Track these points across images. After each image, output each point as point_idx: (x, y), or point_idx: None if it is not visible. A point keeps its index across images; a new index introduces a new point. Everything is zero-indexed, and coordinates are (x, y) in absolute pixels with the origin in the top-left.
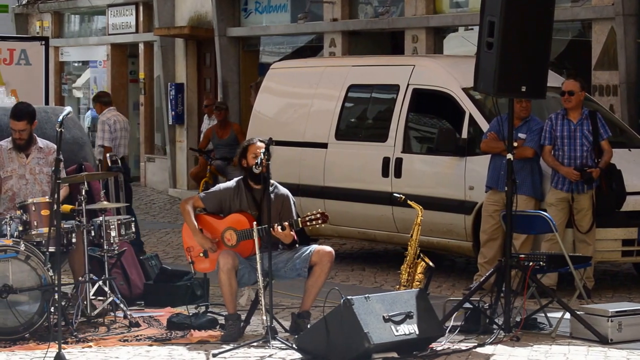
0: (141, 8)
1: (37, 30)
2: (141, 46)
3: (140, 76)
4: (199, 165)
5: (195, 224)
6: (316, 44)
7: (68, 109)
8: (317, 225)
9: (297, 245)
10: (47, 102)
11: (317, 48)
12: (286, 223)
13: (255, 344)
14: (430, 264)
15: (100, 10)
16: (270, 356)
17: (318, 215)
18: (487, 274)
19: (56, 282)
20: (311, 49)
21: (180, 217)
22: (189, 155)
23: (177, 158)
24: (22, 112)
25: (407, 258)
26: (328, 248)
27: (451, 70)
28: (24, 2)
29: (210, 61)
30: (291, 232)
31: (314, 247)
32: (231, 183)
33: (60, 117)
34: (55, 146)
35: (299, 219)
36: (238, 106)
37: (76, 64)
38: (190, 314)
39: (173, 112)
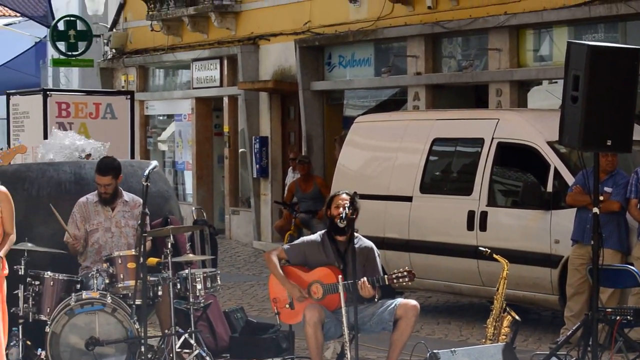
0: (225, 62)
1: (122, 84)
2: (225, 100)
3: (224, 129)
4: (284, 218)
5: (282, 273)
6: (400, 98)
7: (154, 163)
8: (404, 283)
9: (376, 299)
10: (132, 156)
11: (401, 101)
12: (365, 280)
13: None
14: (517, 317)
15: (185, 65)
16: None
17: (405, 273)
18: (573, 328)
19: (142, 334)
20: (395, 103)
21: (265, 270)
22: (274, 208)
23: (261, 211)
24: (108, 167)
25: (493, 312)
26: (413, 302)
27: (536, 124)
28: (109, 57)
29: (294, 114)
30: (369, 287)
31: (399, 300)
32: (315, 236)
33: (147, 171)
34: (140, 200)
35: (386, 276)
36: (322, 159)
37: (161, 118)
38: None
39: (257, 165)
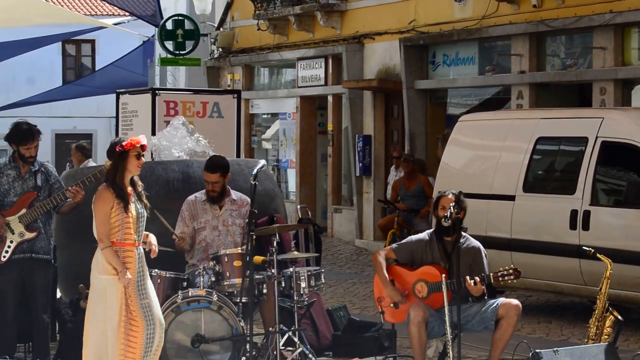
0: (330, 61)
1: (228, 83)
2: (330, 98)
3: (328, 128)
4: (387, 216)
5: (387, 275)
6: (503, 96)
7: (262, 162)
8: (509, 281)
9: (485, 298)
10: (238, 155)
11: (504, 100)
12: (477, 278)
13: None
14: (619, 317)
15: (290, 63)
16: None
17: (510, 271)
18: None
19: (248, 332)
20: (498, 101)
21: (367, 268)
22: (376, 207)
23: (364, 209)
24: (216, 164)
25: (596, 312)
26: (515, 301)
27: None
28: (215, 56)
29: (397, 113)
30: (482, 286)
31: (501, 300)
32: (423, 235)
33: (255, 171)
34: (247, 199)
35: (491, 274)
36: (425, 158)
37: (265, 116)
38: None
39: (360, 164)
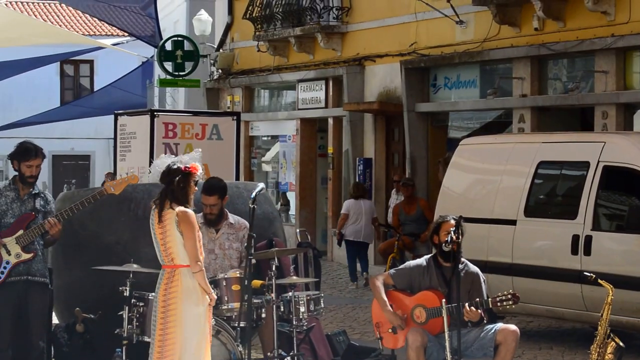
0: (331, 83)
1: (227, 105)
2: (330, 121)
3: (329, 150)
4: (387, 240)
5: (386, 299)
6: (505, 120)
7: (261, 185)
8: (508, 307)
9: (484, 322)
10: (237, 177)
11: (506, 124)
12: (473, 306)
13: None
14: (621, 344)
15: (290, 85)
16: None
17: (509, 297)
18: None
19: (246, 357)
20: (500, 125)
21: (367, 293)
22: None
23: None
24: (214, 187)
25: (597, 338)
26: (513, 327)
27: None
28: (215, 77)
29: (398, 136)
30: (479, 311)
31: (499, 325)
32: (421, 260)
33: (253, 194)
34: (245, 222)
35: (490, 299)
36: (426, 181)
37: (265, 138)
38: None
39: None
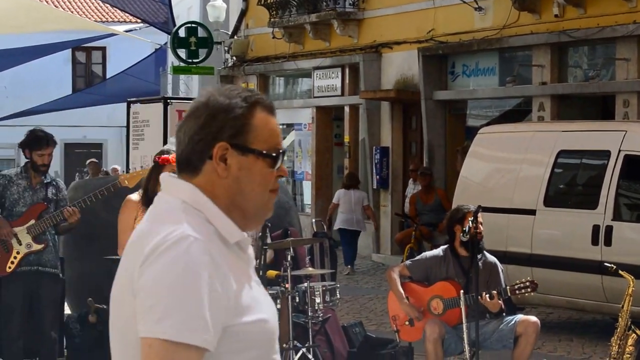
0: (347, 71)
1: None
2: (346, 109)
3: (345, 139)
4: (404, 230)
5: (402, 291)
6: (524, 108)
7: None
8: (526, 294)
9: (504, 314)
10: None
11: (525, 112)
12: (494, 292)
13: None
14: None
15: (306, 73)
16: None
17: (527, 284)
18: None
19: None
20: (519, 113)
21: (384, 283)
22: (394, 220)
23: (381, 223)
24: None
25: (618, 330)
26: (533, 318)
27: None
28: (229, 64)
29: (416, 125)
30: (499, 301)
31: (519, 317)
32: (437, 251)
33: None
34: None
35: (508, 287)
36: (443, 171)
37: (281, 127)
38: None
39: (378, 177)
